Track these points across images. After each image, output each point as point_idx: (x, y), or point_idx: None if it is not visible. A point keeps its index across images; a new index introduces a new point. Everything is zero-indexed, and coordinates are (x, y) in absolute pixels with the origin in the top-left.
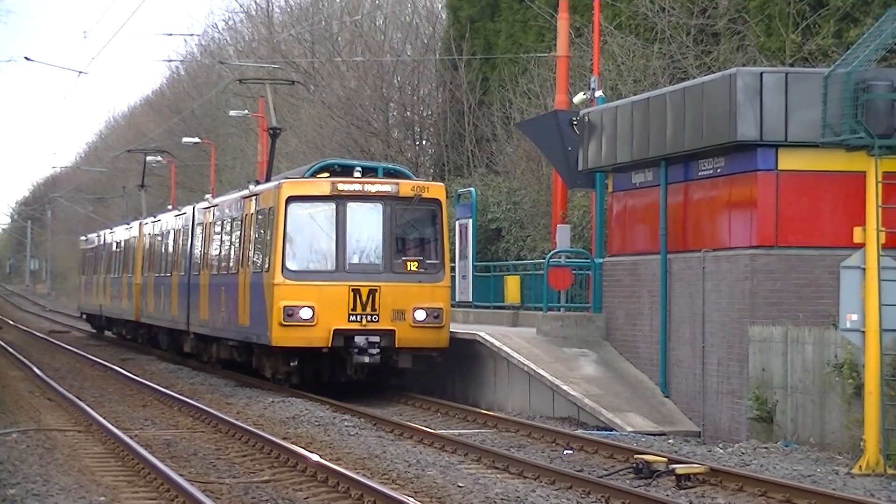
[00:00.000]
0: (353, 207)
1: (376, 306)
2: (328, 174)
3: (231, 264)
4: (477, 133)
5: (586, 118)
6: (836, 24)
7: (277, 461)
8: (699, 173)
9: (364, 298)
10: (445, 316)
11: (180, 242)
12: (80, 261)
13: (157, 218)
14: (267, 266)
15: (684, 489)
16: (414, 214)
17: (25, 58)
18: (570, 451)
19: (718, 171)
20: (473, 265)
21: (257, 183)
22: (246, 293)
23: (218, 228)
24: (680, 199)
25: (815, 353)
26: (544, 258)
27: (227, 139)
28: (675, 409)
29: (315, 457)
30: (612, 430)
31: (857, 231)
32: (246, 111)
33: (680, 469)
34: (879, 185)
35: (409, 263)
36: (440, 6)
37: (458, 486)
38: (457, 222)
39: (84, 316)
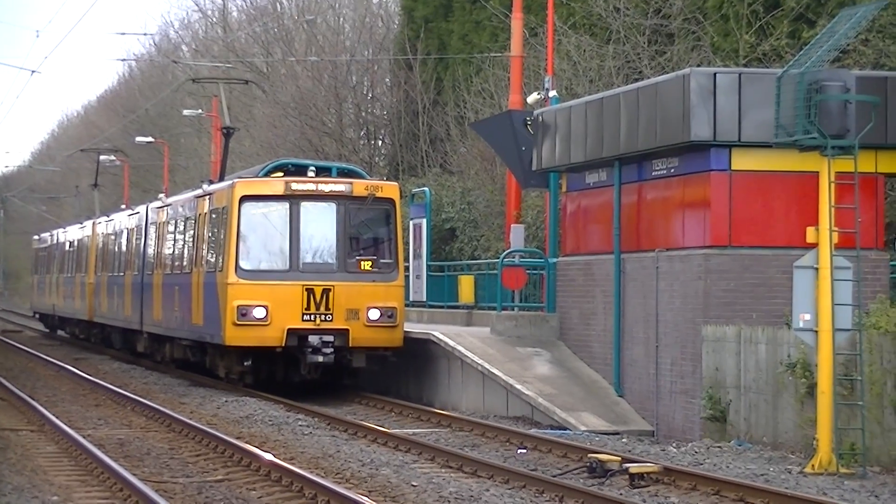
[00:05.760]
0: (306, 207)
1: (330, 306)
2: (282, 174)
3: (185, 264)
4: (431, 133)
5: (540, 118)
6: (790, 24)
7: (231, 461)
8: (653, 173)
9: (318, 298)
10: (399, 315)
11: (134, 242)
12: (32, 260)
13: (111, 217)
14: (220, 265)
15: (638, 488)
16: (368, 214)
17: None
18: (524, 451)
19: (672, 171)
20: (427, 265)
21: (211, 182)
22: (199, 293)
23: (171, 228)
24: (634, 199)
25: (769, 353)
26: (498, 258)
27: (181, 139)
28: (628, 408)
29: (269, 456)
30: (566, 429)
31: (811, 231)
32: (200, 111)
33: (633, 468)
34: (832, 185)
35: (362, 263)
36: (394, 6)
37: (412, 486)
38: (411, 222)
39: (37, 315)
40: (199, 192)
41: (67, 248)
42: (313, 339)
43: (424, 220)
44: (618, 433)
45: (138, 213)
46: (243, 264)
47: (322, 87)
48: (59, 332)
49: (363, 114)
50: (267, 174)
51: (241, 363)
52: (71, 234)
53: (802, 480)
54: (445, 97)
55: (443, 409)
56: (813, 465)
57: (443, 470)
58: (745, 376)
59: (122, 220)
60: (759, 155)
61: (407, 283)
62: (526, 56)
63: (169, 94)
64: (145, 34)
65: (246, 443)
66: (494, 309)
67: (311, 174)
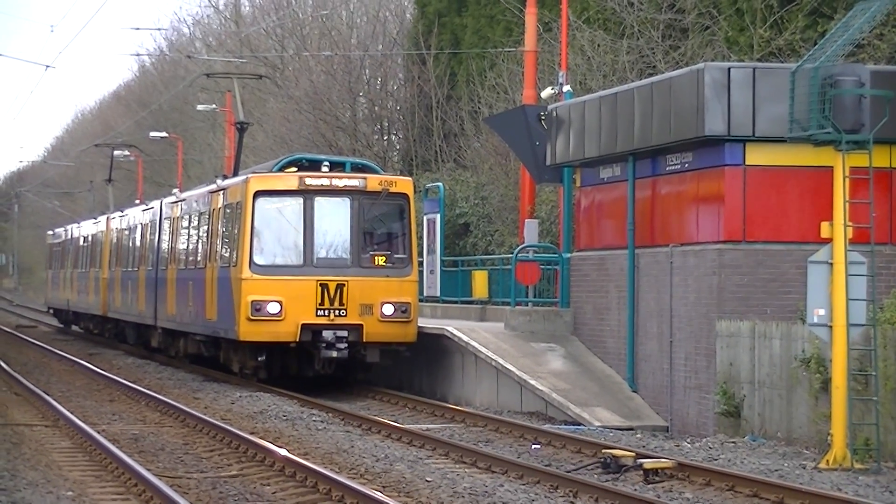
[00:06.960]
0: (320, 202)
1: (344, 301)
2: (296, 169)
3: (199, 259)
4: (445, 128)
5: (554, 113)
6: (804, 19)
7: (245, 456)
8: (667, 168)
9: (332, 293)
10: (413, 310)
11: (148, 237)
12: (47, 255)
13: (125, 212)
14: (234, 260)
15: (652, 484)
16: (382, 209)
17: None
18: (538, 446)
19: (686, 165)
20: (441, 260)
21: (225, 177)
22: (213, 288)
23: (185, 223)
24: (647, 193)
25: (783, 348)
26: (512, 253)
27: (195, 133)
28: (642, 403)
29: (283, 451)
30: (579, 424)
31: (825, 226)
32: (213, 105)
33: (648, 464)
34: (846, 180)
35: (376, 258)
36: (407, 1)
37: (427, 481)
38: (424, 217)
39: (51, 310)
40: (213, 187)
41: (81, 243)
42: (327, 335)
43: (438, 215)
44: (632, 428)
45: (152, 208)
46: (257, 259)
47: (335, 82)
48: (74, 328)
49: (377, 108)
50: (281, 169)
51: (254, 358)
52: (85, 229)
53: (817, 476)
54: (459, 92)
55: (457, 405)
56: (827, 461)
57: (457, 465)
58: (759, 371)
59: (136, 216)
60: (774, 150)
61: (421, 279)
62: (540, 51)
63: (183, 88)
64: (159, 29)
65: (260, 438)
66: (508, 304)
67: (325, 169)
